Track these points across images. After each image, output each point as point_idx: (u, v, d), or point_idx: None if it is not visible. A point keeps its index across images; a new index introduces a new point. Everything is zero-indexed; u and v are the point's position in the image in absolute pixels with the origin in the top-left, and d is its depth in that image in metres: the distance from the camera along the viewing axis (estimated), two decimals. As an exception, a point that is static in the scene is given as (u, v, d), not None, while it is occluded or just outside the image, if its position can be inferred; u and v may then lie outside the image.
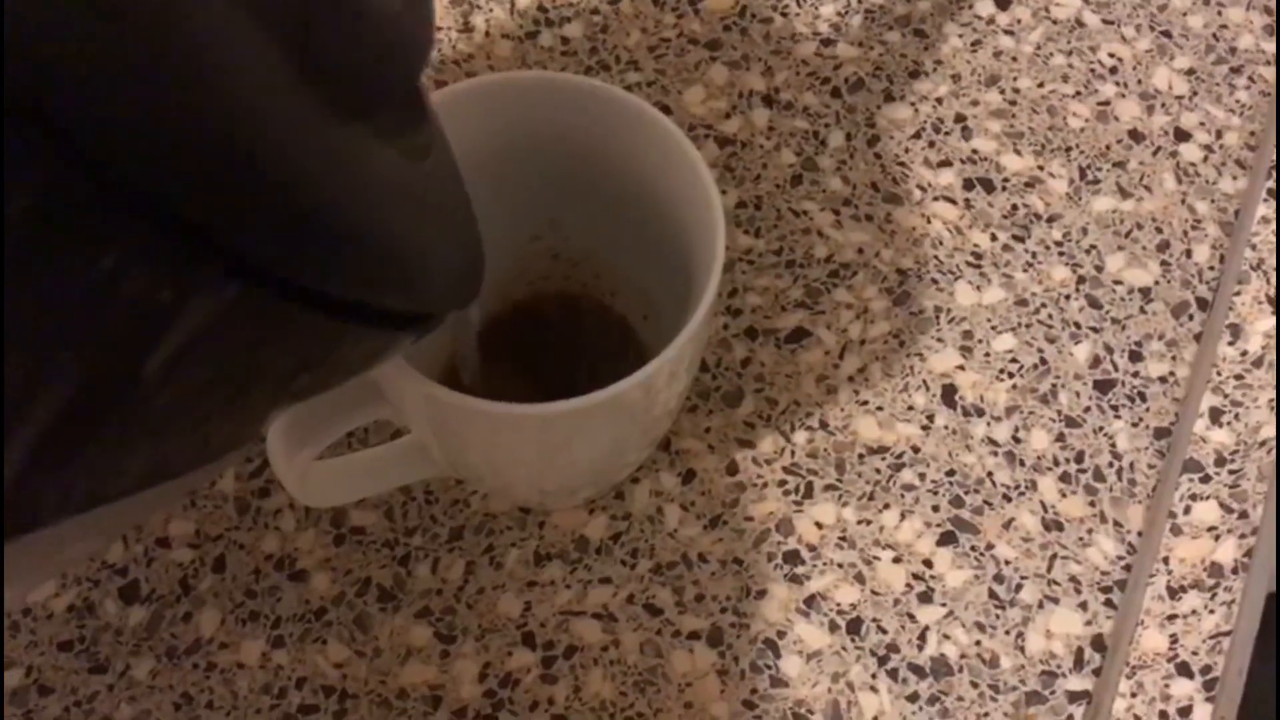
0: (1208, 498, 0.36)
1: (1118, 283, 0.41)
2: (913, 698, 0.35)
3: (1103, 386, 0.39)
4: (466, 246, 0.25)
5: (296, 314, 0.18)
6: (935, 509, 0.37)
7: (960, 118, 0.44)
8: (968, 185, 0.43)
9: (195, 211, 0.16)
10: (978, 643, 0.36)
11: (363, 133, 0.20)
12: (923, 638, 0.36)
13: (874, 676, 0.35)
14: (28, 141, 0.14)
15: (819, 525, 0.37)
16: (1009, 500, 0.38)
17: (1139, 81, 0.45)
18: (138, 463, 0.18)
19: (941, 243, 0.41)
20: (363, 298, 0.19)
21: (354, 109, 0.19)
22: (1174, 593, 0.35)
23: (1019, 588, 0.36)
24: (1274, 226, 0.40)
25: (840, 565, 0.37)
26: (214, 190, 0.16)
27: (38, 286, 0.15)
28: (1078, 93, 0.44)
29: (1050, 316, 0.40)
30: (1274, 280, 0.39)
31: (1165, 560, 0.36)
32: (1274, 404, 0.37)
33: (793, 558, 0.37)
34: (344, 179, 0.19)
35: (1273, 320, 0.39)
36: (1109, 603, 0.36)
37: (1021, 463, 0.38)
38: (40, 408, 0.16)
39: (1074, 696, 0.35)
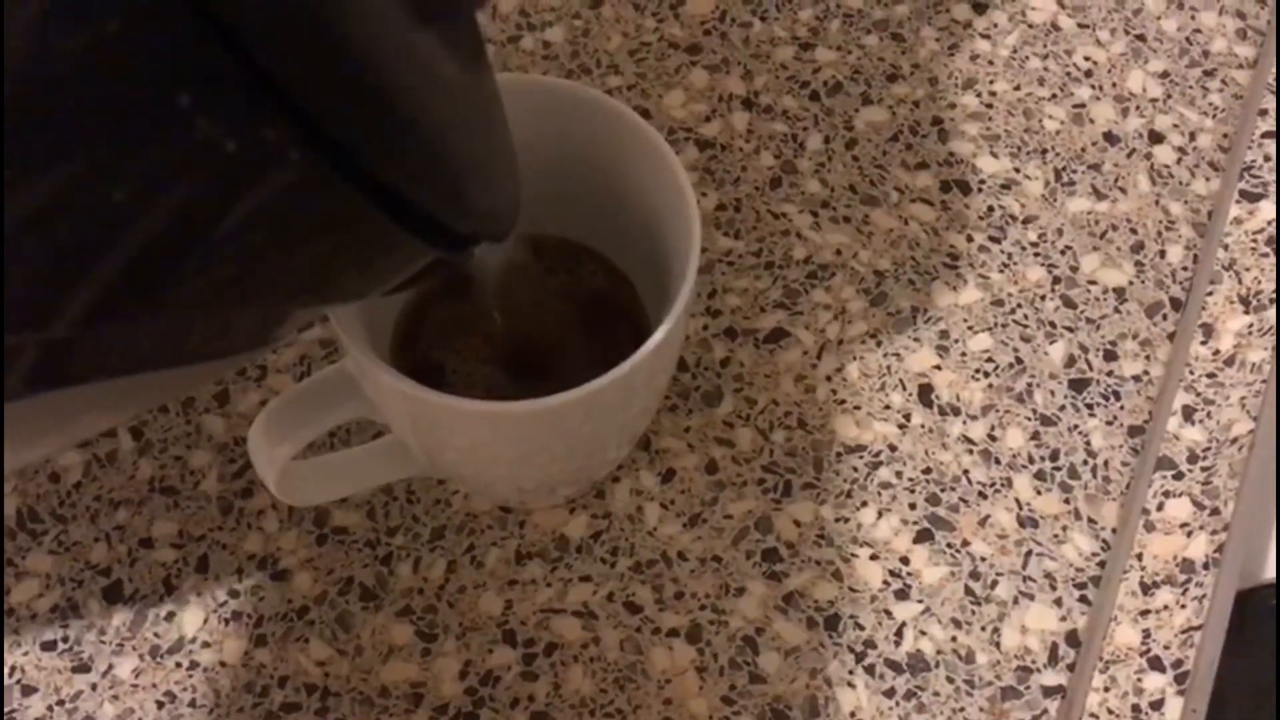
0: (1180, 495, 0.37)
1: (1092, 283, 0.41)
2: (889, 693, 0.35)
3: (1077, 385, 0.40)
4: (511, 176, 0.25)
5: (343, 194, 0.18)
6: (912, 507, 0.38)
7: (937, 120, 0.44)
8: (944, 187, 0.43)
9: (274, 64, 0.16)
10: (954, 639, 0.36)
11: (435, 38, 0.20)
12: (899, 634, 0.36)
13: (851, 672, 0.36)
14: None
15: (797, 523, 0.37)
16: (985, 498, 0.38)
17: (1114, 84, 0.45)
18: (163, 333, 0.18)
19: (918, 244, 0.42)
20: (415, 194, 0.19)
21: (428, 12, 0.20)
22: (1147, 588, 0.36)
23: (994, 584, 0.37)
24: (1246, 227, 0.41)
25: (818, 563, 0.37)
26: (294, 41, 0.16)
27: (112, 110, 0.15)
28: (1053, 95, 0.45)
29: (1026, 316, 0.41)
30: (1245, 280, 0.40)
31: (1139, 556, 0.36)
32: (1244, 402, 0.38)
33: (771, 555, 0.37)
34: (417, 68, 0.19)
35: (1245, 319, 0.39)
36: (1083, 598, 0.37)
37: (997, 461, 0.38)
38: (87, 252, 0.16)
39: (1048, 691, 0.35)
